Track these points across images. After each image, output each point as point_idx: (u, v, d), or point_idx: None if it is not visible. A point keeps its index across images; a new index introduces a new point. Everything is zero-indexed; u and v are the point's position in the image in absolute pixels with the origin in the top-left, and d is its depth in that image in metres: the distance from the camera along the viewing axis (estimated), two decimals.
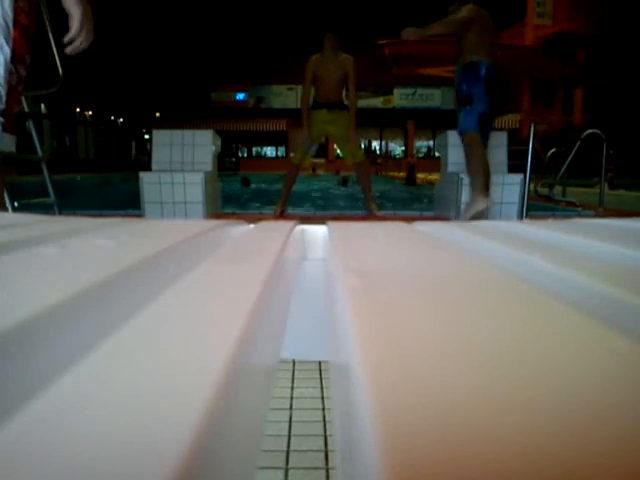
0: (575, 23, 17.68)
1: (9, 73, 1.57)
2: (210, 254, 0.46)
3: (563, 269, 0.39)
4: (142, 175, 3.89)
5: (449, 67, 19.71)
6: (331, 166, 20.05)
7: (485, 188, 3.36)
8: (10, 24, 1.55)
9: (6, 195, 2.48)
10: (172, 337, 0.23)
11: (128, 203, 4.69)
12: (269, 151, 29.75)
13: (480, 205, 3.30)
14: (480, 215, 3.25)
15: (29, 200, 2.79)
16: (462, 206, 3.88)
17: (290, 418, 1.21)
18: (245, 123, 27.28)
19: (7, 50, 1.55)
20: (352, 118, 4.19)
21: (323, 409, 1.25)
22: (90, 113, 25.09)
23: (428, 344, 0.21)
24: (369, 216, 4.33)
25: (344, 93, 4.33)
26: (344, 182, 8.69)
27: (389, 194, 8.24)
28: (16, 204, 2.53)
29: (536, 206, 4.90)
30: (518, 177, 3.97)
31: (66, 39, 1.63)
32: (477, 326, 0.24)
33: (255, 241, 0.63)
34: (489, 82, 3.39)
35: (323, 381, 1.37)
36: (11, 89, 1.61)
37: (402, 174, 14.64)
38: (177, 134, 4.22)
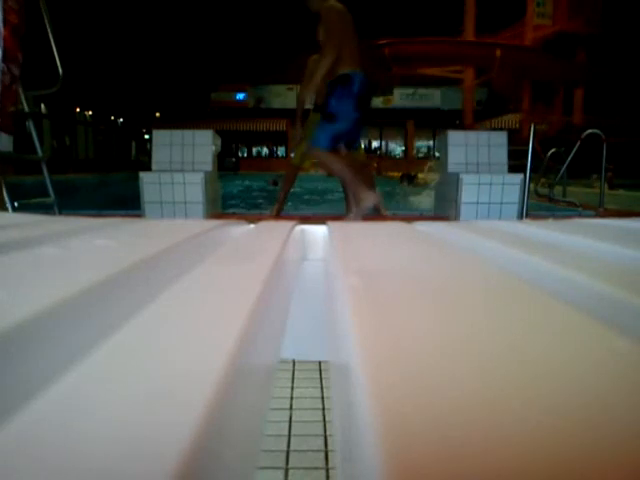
0: (575, 23, 17.68)
1: (2, 73, 1.57)
2: (210, 254, 0.46)
3: (563, 269, 0.39)
4: (142, 175, 3.88)
5: (449, 67, 19.73)
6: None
7: (362, 185, 3.22)
8: (0, 23, 1.54)
9: (6, 195, 2.48)
10: (172, 337, 0.23)
11: (120, 206, 4.64)
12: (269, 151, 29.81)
13: (369, 200, 3.17)
14: (368, 210, 3.19)
15: (29, 200, 2.79)
16: (462, 207, 3.88)
17: (290, 418, 1.21)
18: (245, 123, 27.27)
19: None
20: None
21: (323, 409, 1.25)
22: (90, 113, 25.09)
23: (428, 344, 0.21)
24: (370, 216, 4.33)
25: None
26: (274, 183, 9.18)
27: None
28: (16, 204, 2.53)
29: (536, 206, 4.89)
30: (518, 177, 3.97)
31: None
32: (477, 326, 0.24)
33: (255, 241, 0.63)
34: (361, 98, 3.23)
35: (323, 381, 1.37)
36: (5, 89, 1.60)
37: (396, 173, 14.69)
38: (177, 134, 4.22)
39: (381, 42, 16.41)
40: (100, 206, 5.17)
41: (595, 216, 4.30)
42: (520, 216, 3.92)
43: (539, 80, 18.77)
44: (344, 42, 3.19)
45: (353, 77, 3.21)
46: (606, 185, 5.44)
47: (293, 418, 1.21)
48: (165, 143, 4.23)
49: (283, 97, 26.73)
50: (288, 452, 1.07)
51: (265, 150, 29.57)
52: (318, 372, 1.42)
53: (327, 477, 0.99)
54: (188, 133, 4.19)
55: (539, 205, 5.24)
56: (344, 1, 3.39)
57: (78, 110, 23.98)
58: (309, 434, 1.14)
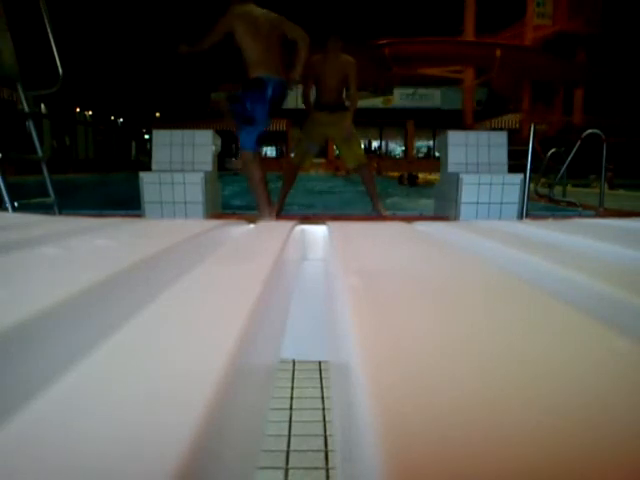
0: (575, 23, 17.68)
1: None
2: (210, 254, 0.46)
3: (563, 269, 0.39)
4: (142, 175, 3.88)
5: (449, 67, 19.72)
6: (330, 166, 20.01)
7: (267, 201, 3.54)
8: None
9: (6, 195, 2.48)
10: (172, 337, 0.23)
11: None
12: (269, 151, 29.76)
13: (264, 218, 3.42)
14: None
15: (29, 200, 2.79)
16: (462, 207, 3.88)
17: (290, 418, 1.21)
18: None
19: None
20: (350, 117, 4.19)
21: (323, 409, 1.25)
22: (90, 113, 25.08)
23: (428, 344, 0.21)
24: (370, 216, 4.33)
25: (344, 94, 4.31)
26: None
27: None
28: (16, 204, 2.53)
29: (536, 206, 4.90)
30: (518, 177, 3.97)
31: None
32: (477, 326, 0.24)
33: (255, 241, 0.63)
34: (273, 102, 3.41)
35: (323, 381, 1.37)
36: None
37: (396, 174, 14.56)
38: (177, 134, 4.22)
39: (381, 42, 16.41)
40: (100, 206, 5.17)
41: (595, 216, 4.30)
42: (520, 216, 3.92)
43: (539, 80, 18.75)
44: (254, 46, 3.33)
45: (267, 82, 3.37)
46: (606, 185, 5.44)
47: (293, 418, 1.21)
48: (165, 143, 4.23)
49: None
50: (288, 452, 1.07)
51: (267, 150, 29.50)
52: (318, 372, 1.42)
53: (327, 477, 0.99)
54: (188, 133, 4.19)
55: (539, 205, 5.24)
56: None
57: (78, 110, 23.97)
58: (309, 434, 1.14)
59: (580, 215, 4.45)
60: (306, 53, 3.54)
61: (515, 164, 4.29)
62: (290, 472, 1.00)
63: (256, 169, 3.49)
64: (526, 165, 4.22)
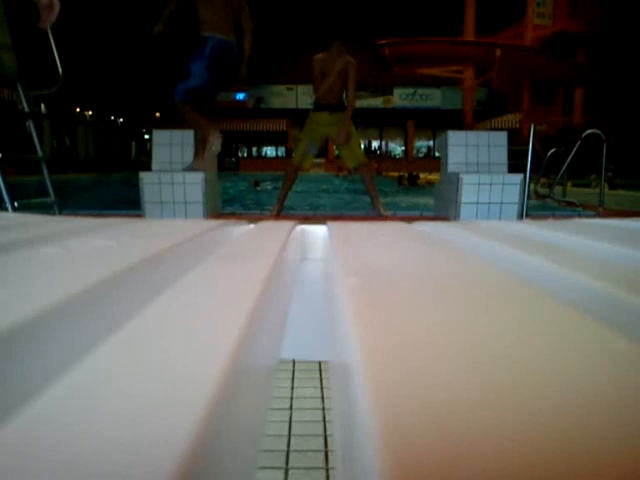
0: (575, 23, 17.68)
1: None
2: (210, 254, 0.46)
3: (563, 269, 0.39)
4: (142, 175, 3.88)
5: (449, 67, 19.72)
6: (332, 166, 20.00)
7: (209, 122, 3.71)
8: None
9: (6, 195, 2.48)
10: (172, 337, 0.23)
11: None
12: (269, 151, 29.75)
13: (217, 140, 3.63)
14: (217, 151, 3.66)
15: (29, 200, 2.78)
16: (462, 207, 3.88)
17: (290, 418, 1.21)
18: (245, 123, 27.24)
19: None
20: (348, 117, 4.19)
21: (323, 409, 1.25)
22: (90, 113, 25.07)
23: (428, 344, 0.21)
24: (370, 216, 4.33)
25: (344, 95, 4.31)
26: (256, 184, 9.57)
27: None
28: (16, 204, 2.52)
29: (536, 206, 4.90)
30: (518, 177, 3.96)
31: None
32: (477, 326, 0.24)
33: (255, 241, 0.63)
34: (213, 60, 3.55)
35: (323, 381, 1.37)
36: None
37: (396, 174, 14.49)
38: (177, 134, 4.22)
39: (381, 42, 16.42)
40: (100, 206, 5.16)
41: (595, 216, 4.30)
42: (520, 216, 3.92)
43: (539, 80, 18.74)
44: (207, 6, 3.55)
45: (207, 40, 3.56)
46: (606, 185, 5.44)
47: (293, 418, 1.21)
48: (165, 143, 4.23)
49: (283, 97, 26.71)
50: (288, 452, 1.07)
51: (267, 150, 29.45)
52: (318, 372, 1.42)
53: (327, 477, 0.99)
54: (188, 133, 4.19)
55: (539, 205, 5.24)
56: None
57: (78, 110, 23.96)
58: (309, 434, 1.14)
59: (580, 215, 4.45)
60: (251, 44, 3.71)
61: (515, 164, 4.29)
62: (290, 472, 1.00)
63: (190, 114, 3.67)
64: (526, 165, 4.22)
